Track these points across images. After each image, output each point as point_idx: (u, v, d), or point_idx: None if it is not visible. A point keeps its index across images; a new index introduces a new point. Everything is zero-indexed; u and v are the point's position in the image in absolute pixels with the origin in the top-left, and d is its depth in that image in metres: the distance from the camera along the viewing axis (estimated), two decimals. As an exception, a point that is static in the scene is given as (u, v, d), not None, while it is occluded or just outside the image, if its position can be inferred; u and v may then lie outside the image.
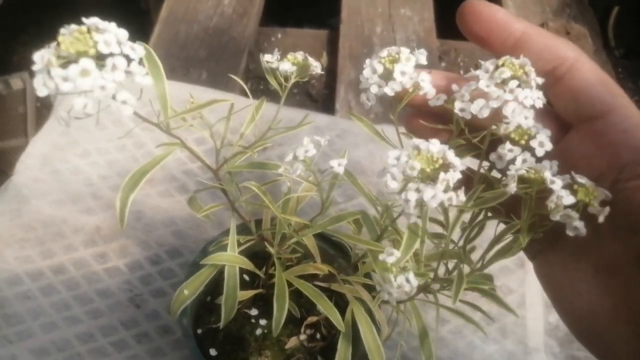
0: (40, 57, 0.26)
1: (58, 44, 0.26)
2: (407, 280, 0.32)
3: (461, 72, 0.98)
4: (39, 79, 0.26)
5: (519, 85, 0.30)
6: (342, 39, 0.96)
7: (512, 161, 0.30)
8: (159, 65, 0.37)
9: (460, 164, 0.28)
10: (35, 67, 0.26)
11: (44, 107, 1.19)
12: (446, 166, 0.28)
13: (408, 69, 0.33)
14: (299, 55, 0.38)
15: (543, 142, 0.30)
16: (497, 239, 0.33)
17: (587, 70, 0.31)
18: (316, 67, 0.38)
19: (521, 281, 0.63)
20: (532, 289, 0.63)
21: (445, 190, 0.27)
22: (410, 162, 0.27)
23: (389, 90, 0.33)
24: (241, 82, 0.46)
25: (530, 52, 0.31)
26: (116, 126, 0.72)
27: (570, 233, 0.28)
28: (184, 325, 0.43)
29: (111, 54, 0.27)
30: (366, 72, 0.33)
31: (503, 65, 0.31)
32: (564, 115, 0.32)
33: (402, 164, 0.27)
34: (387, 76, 0.33)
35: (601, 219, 0.27)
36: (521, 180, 0.29)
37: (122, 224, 0.37)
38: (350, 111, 0.86)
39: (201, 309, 0.48)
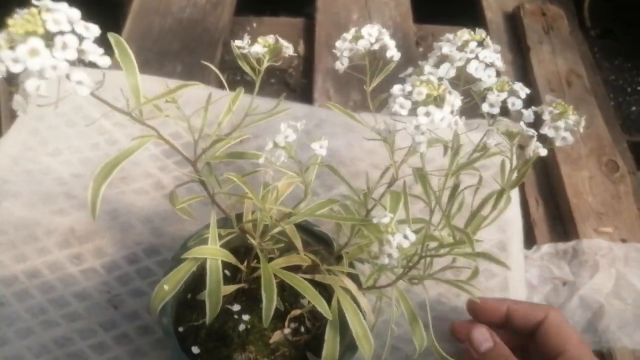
0: None
1: (7, 27, 0.26)
2: (406, 237, 0.33)
3: (439, 57, 0.97)
4: None
5: (478, 46, 0.35)
6: (318, 27, 0.95)
7: (504, 102, 0.34)
8: (130, 55, 0.36)
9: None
10: None
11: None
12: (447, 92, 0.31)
13: (373, 32, 0.37)
14: (270, 39, 0.37)
15: (522, 87, 0.35)
16: (483, 202, 0.34)
17: (554, 321, 0.47)
18: (288, 48, 0.38)
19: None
20: (515, 273, 0.62)
21: (452, 113, 0.31)
22: (418, 88, 0.31)
23: (360, 46, 0.37)
24: (217, 71, 0.44)
25: (518, 317, 0.49)
26: (87, 122, 0.70)
27: (558, 144, 0.34)
28: (165, 324, 0.42)
29: (61, 33, 0.26)
30: (338, 43, 0.38)
31: (462, 34, 0.36)
32: (544, 350, 0.47)
33: (407, 90, 0.31)
34: (356, 40, 0.37)
35: (581, 129, 0.34)
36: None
37: (94, 217, 0.36)
38: (329, 99, 0.85)
39: (182, 307, 0.47)
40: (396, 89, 0.32)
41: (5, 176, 0.64)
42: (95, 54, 0.27)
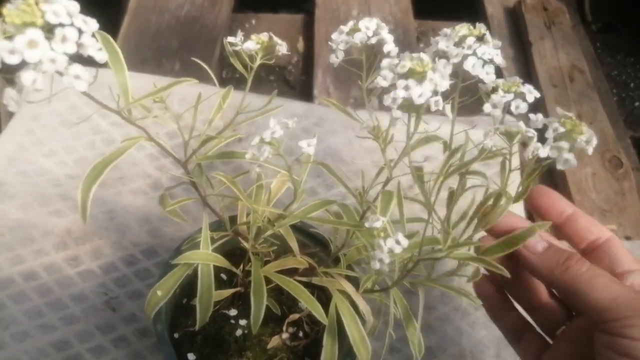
0: None
1: (3, 17, 0.25)
2: (398, 242, 0.32)
3: (440, 52, 0.96)
4: None
5: (475, 42, 0.33)
6: (317, 23, 0.94)
7: (508, 105, 0.33)
8: (118, 53, 0.35)
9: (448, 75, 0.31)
10: None
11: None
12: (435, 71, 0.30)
13: (371, 25, 0.36)
14: (264, 36, 0.36)
15: (531, 90, 0.33)
16: (483, 203, 0.33)
17: (618, 244, 0.40)
18: (281, 46, 0.37)
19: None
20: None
21: (434, 93, 0.29)
22: (402, 62, 0.30)
23: (357, 39, 0.35)
24: (208, 69, 0.43)
25: (578, 225, 0.41)
26: (83, 123, 0.69)
27: (560, 167, 0.31)
28: (159, 331, 0.41)
29: (61, 25, 0.25)
30: (334, 35, 0.37)
31: (460, 29, 0.34)
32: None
33: (393, 64, 0.30)
34: (353, 33, 0.36)
35: (590, 150, 0.31)
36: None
37: (84, 219, 0.35)
38: (329, 96, 0.84)
39: (177, 312, 0.46)
40: (385, 61, 0.31)
41: (1, 177, 0.63)
42: (94, 48, 0.26)
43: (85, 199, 0.35)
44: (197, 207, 0.59)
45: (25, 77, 0.26)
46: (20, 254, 0.59)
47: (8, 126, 0.68)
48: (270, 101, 0.41)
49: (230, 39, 0.37)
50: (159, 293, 0.41)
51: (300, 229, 0.46)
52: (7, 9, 0.25)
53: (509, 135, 0.32)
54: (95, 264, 0.59)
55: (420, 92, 0.29)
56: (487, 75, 0.33)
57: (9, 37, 0.25)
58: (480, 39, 0.34)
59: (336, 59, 0.36)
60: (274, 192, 0.44)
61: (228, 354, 0.43)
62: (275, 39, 0.37)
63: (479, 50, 0.33)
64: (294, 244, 0.42)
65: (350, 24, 0.36)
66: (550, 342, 0.42)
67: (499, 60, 0.34)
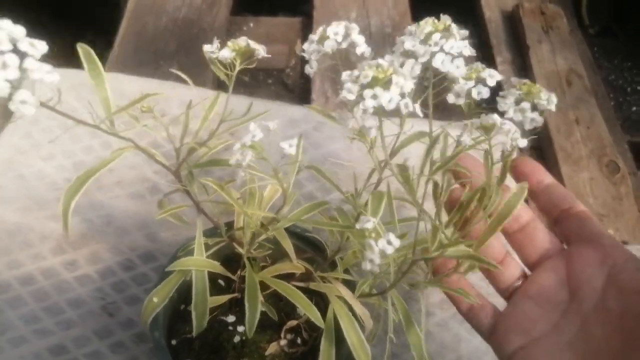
0: None
1: None
2: (389, 242, 0.32)
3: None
4: None
5: (442, 38, 0.33)
6: (316, 26, 0.94)
7: (469, 91, 0.32)
8: (97, 63, 0.35)
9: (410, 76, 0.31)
10: None
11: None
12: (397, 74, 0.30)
13: (340, 29, 0.35)
14: (242, 42, 0.36)
15: (492, 74, 0.33)
16: (469, 199, 0.33)
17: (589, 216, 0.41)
18: (258, 50, 0.37)
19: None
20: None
21: (401, 96, 0.30)
22: (364, 72, 0.30)
23: (327, 47, 0.35)
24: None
25: (556, 194, 0.42)
26: (81, 126, 0.69)
27: (527, 127, 0.32)
28: (156, 338, 0.41)
29: (1, 52, 0.26)
30: (305, 45, 0.36)
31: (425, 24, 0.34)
32: (568, 235, 0.41)
33: (354, 76, 0.30)
34: (323, 41, 0.36)
35: (552, 107, 0.32)
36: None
37: (67, 231, 0.35)
38: (327, 100, 0.84)
39: (175, 318, 0.46)
40: (345, 74, 0.31)
41: (-1, 181, 0.63)
42: (41, 71, 0.27)
43: (67, 212, 0.35)
44: (194, 212, 0.59)
45: None
46: (18, 258, 0.58)
47: (6, 129, 0.68)
48: (250, 108, 0.41)
49: (206, 47, 0.37)
50: (155, 300, 0.41)
51: (295, 234, 0.46)
52: None
53: (486, 129, 0.32)
54: (92, 269, 0.59)
55: (389, 98, 0.29)
56: (458, 69, 0.33)
57: None
58: (447, 30, 0.33)
59: (311, 69, 0.36)
60: (268, 196, 0.44)
61: (226, 360, 0.43)
62: (252, 43, 0.37)
63: (446, 45, 0.33)
64: (289, 248, 0.42)
65: (320, 30, 0.36)
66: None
67: (468, 51, 0.33)
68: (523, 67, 0.91)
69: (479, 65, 0.33)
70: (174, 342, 0.44)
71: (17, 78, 0.26)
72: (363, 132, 0.34)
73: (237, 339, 0.44)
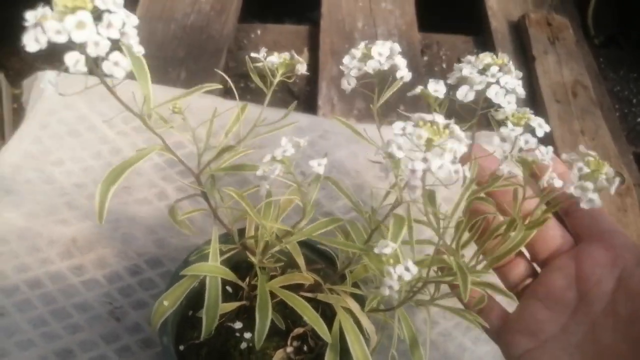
0: (34, 15, 0.27)
1: (54, 1, 0.26)
2: (407, 269, 0.32)
3: (443, 65, 0.97)
4: (30, 34, 0.26)
5: (499, 71, 0.34)
6: (322, 35, 0.94)
7: (516, 140, 0.32)
8: (141, 59, 0.36)
9: (465, 137, 0.29)
10: (27, 24, 0.27)
11: (22, 109, 1.16)
12: (452, 137, 0.29)
13: (384, 50, 0.35)
14: (286, 55, 0.37)
15: (541, 123, 0.32)
16: (489, 235, 0.33)
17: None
18: (302, 65, 0.37)
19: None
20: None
21: (453, 162, 0.28)
22: (418, 131, 0.28)
23: (369, 68, 0.35)
24: (227, 79, 0.44)
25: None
26: (90, 132, 0.70)
27: (584, 206, 0.30)
28: (165, 343, 0.41)
29: (108, 11, 0.27)
30: (346, 59, 0.36)
31: (484, 57, 0.35)
32: (579, 231, 0.40)
33: (408, 133, 0.29)
34: (366, 59, 0.36)
35: (612, 190, 0.31)
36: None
37: (101, 220, 0.35)
38: (333, 108, 0.84)
39: (183, 324, 0.46)
40: (397, 127, 0.29)
41: (8, 186, 0.64)
42: (135, 38, 0.28)
43: (104, 200, 0.35)
44: (202, 218, 0.59)
45: (69, 57, 0.26)
46: (26, 262, 0.59)
47: (16, 134, 0.68)
48: (286, 116, 0.41)
49: (253, 55, 0.38)
50: (166, 303, 0.41)
51: (307, 244, 0.47)
52: None
53: (524, 164, 0.32)
54: (99, 274, 0.59)
55: (439, 165, 0.28)
56: (509, 105, 0.33)
57: (59, 19, 0.26)
58: (502, 68, 0.34)
59: (348, 85, 0.37)
60: (282, 207, 0.44)
61: (233, 367, 0.44)
62: (297, 57, 0.38)
63: (502, 79, 0.33)
64: (300, 261, 0.42)
65: (362, 46, 0.36)
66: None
67: (520, 90, 0.34)
68: (529, 78, 0.91)
69: (527, 111, 0.33)
70: (181, 347, 0.44)
71: (117, 38, 0.27)
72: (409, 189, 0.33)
73: (244, 345, 0.44)
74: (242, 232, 0.46)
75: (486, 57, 0.34)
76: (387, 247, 0.32)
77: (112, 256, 0.60)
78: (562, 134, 0.81)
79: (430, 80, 0.37)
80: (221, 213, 0.45)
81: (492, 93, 0.33)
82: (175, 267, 0.47)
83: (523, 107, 0.34)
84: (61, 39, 0.26)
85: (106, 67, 0.27)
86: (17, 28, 0.28)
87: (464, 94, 0.34)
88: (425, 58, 0.97)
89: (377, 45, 0.36)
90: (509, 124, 0.32)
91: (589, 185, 0.30)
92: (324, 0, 0.99)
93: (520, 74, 0.35)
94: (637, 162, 0.84)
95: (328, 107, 0.84)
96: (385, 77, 0.37)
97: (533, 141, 0.32)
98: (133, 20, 0.28)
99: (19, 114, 1.15)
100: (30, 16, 0.27)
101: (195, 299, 0.45)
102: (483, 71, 0.34)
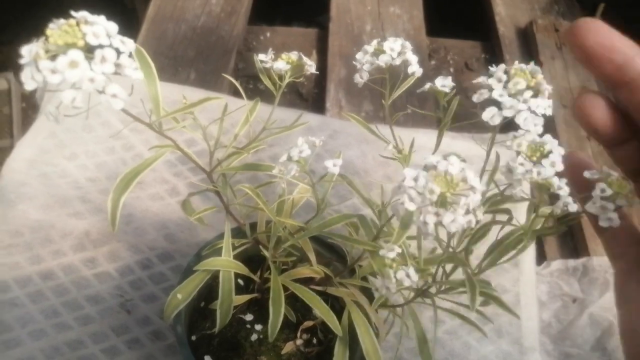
0: (28, 50, 0.26)
1: (46, 38, 0.26)
2: (408, 275, 0.32)
3: (451, 69, 0.98)
4: (26, 72, 0.26)
5: (533, 95, 0.31)
6: (331, 38, 0.96)
7: (523, 175, 0.30)
8: (150, 64, 0.36)
9: (480, 184, 0.27)
10: (22, 61, 0.26)
11: (30, 107, 1.17)
12: (466, 189, 0.27)
13: (396, 46, 0.36)
14: (293, 55, 0.38)
15: (554, 162, 0.30)
16: (498, 244, 0.33)
17: None
18: (311, 66, 0.38)
19: (515, 281, 0.63)
20: (527, 288, 0.63)
21: (466, 214, 0.26)
22: (430, 185, 0.26)
23: (382, 61, 0.36)
24: (235, 83, 0.45)
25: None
26: (104, 128, 0.71)
27: (602, 224, 0.28)
28: (179, 333, 0.42)
29: (100, 46, 0.26)
30: (359, 55, 0.37)
31: (515, 74, 0.31)
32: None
33: (420, 186, 0.26)
34: (378, 54, 0.36)
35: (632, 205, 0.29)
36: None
37: (114, 227, 0.36)
38: (341, 109, 0.86)
39: (195, 315, 0.47)
40: (409, 175, 0.27)
41: (22, 179, 0.65)
42: (131, 67, 0.27)
43: (115, 209, 0.36)
44: (212, 213, 0.60)
45: (65, 96, 0.26)
46: (39, 254, 0.60)
47: (31, 128, 0.69)
48: (299, 120, 0.42)
49: (261, 56, 0.39)
50: (179, 296, 0.42)
51: (318, 239, 0.48)
52: (50, 30, 0.26)
53: (539, 187, 0.30)
54: (111, 267, 0.60)
55: (451, 219, 0.26)
56: (535, 127, 0.31)
57: (52, 57, 0.26)
58: (537, 86, 0.31)
59: (361, 79, 0.37)
60: (295, 204, 0.45)
61: (243, 357, 0.44)
62: (305, 58, 0.39)
63: (533, 103, 0.31)
64: (311, 255, 0.43)
65: (374, 43, 0.37)
66: None
67: (550, 111, 0.32)
68: (535, 83, 0.92)
69: (545, 140, 0.31)
70: (193, 338, 0.45)
71: (112, 72, 0.27)
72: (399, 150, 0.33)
73: (254, 337, 0.45)
74: (253, 226, 0.46)
75: (520, 81, 0.31)
76: (392, 252, 0.32)
77: (124, 250, 0.61)
78: (569, 138, 0.82)
79: (438, 77, 0.37)
80: (232, 208, 0.46)
81: (521, 119, 0.31)
82: (185, 261, 0.48)
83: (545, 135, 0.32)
84: (56, 79, 0.26)
85: (105, 100, 0.27)
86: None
87: (490, 117, 0.31)
88: (433, 62, 0.98)
89: (389, 41, 0.36)
90: (519, 157, 0.30)
91: (610, 205, 0.29)
92: (333, 4, 1.01)
93: (550, 88, 0.32)
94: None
95: (336, 109, 0.85)
96: (396, 74, 0.38)
97: (548, 173, 0.30)
98: (129, 46, 0.28)
99: (27, 113, 1.16)
100: (25, 52, 0.26)
101: (207, 291, 0.46)
102: (515, 95, 0.31)
